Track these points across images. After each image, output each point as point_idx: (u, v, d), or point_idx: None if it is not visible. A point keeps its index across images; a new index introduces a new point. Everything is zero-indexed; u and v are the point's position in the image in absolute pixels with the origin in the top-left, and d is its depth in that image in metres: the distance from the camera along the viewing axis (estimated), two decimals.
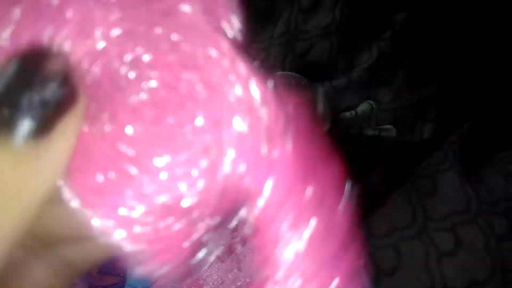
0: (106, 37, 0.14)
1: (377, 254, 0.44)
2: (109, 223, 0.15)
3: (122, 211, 0.15)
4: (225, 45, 0.15)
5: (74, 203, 0.14)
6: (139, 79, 0.14)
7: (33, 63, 0.11)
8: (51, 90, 0.11)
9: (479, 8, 0.66)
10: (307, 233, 0.19)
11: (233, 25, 0.17)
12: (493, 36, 0.66)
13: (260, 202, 0.15)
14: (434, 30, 0.69)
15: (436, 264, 0.43)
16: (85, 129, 0.14)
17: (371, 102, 0.54)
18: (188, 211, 0.15)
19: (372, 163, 0.59)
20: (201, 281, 0.32)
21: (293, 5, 0.65)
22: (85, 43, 0.14)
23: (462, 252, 0.44)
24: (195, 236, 0.16)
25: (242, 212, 0.16)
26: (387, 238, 0.45)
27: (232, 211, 0.16)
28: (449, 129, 0.59)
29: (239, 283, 0.31)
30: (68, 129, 0.13)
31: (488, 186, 0.49)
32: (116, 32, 0.14)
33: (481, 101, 0.63)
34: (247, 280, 0.31)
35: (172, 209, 0.16)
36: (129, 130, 0.15)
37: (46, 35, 0.13)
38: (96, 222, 0.15)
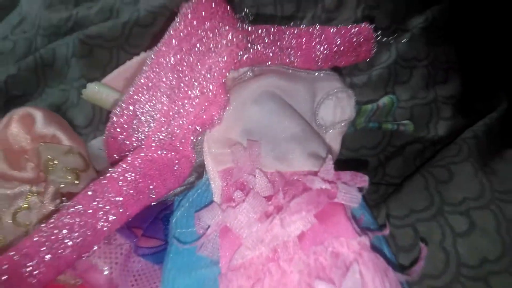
0: None
1: (396, 233, 0.50)
2: None
3: None
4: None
5: None
6: None
7: None
8: None
9: (492, 13, 0.73)
10: None
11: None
12: (504, 41, 0.72)
13: None
14: (450, 33, 0.75)
15: (451, 243, 0.49)
16: None
17: (392, 96, 0.60)
18: None
19: (390, 157, 0.65)
20: None
21: (317, 5, 0.72)
22: None
23: (476, 234, 0.49)
24: None
25: None
26: (406, 219, 0.51)
27: None
28: (463, 127, 0.65)
29: None
30: None
31: (500, 177, 0.55)
32: None
33: (494, 101, 0.69)
34: None
35: None
36: None
37: None
38: None
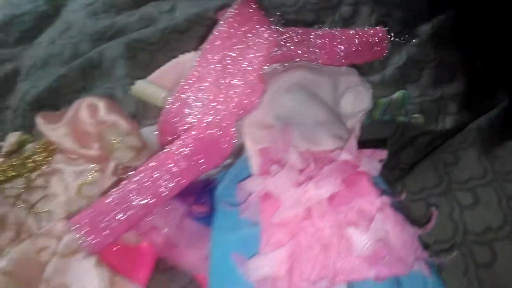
0: None
1: (411, 206, 0.57)
2: None
3: None
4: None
5: None
6: None
7: None
8: None
9: (491, 21, 0.81)
10: None
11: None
12: (503, 44, 0.81)
13: None
14: (454, 39, 0.84)
15: (458, 214, 0.56)
16: None
17: (404, 91, 0.68)
18: None
19: (403, 147, 0.73)
20: None
21: (335, 14, 0.81)
22: None
23: (480, 207, 0.57)
24: None
25: None
26: (419, 194, 0.59)
27: None
28: (468, 121, 0.73)
29: None
30: None
31: (501, 162, 0.63)
32: None
33: (496, 99, 0.77)
34: None
35: None
36: None
37: None
38: None
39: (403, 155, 0.72)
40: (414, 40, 0.82)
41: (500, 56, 0.86)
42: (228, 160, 0.61)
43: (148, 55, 0.79)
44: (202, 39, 0.59)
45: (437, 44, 0.83)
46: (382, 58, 0.65)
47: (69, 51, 0.86)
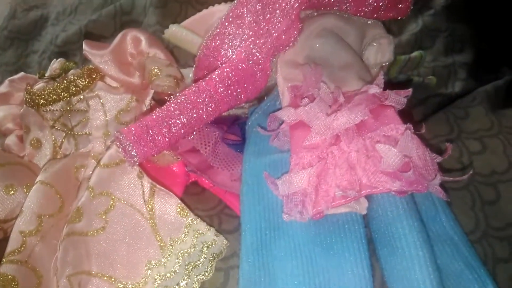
0: None
1: None
2: None
3: None
4: None
5: None
6: None
7: None
8: None
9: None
10: None
11: None
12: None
13: None
14: (465, 15, 0.89)
15: (467, 158, 0.62)
16: None
17: (421, 51, 0.73)
18: None
19: (414, 106, 0.78)
20: None
21: None
22: None
23: (487, 153, 0.62)
24: None
25: None
26: (431, 140, 0.64)
27: None
28: (475, 88, 0.78)
29: None
30: None
31: (506, 117, 0.68)
32: None
33: (499, 74, 0.83)
34: None
35: None
36: None
37: None
38: None
39: (414, 113, 0.77)
40: (429, 11, 0.87)
41: (504, 38, 0.91)
42: (252, 102, 0.65)
43: (178, 5, 0.83)
44: None
45: (449, 16, 0.88)
46: (404, 17, 0.70)
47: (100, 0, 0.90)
